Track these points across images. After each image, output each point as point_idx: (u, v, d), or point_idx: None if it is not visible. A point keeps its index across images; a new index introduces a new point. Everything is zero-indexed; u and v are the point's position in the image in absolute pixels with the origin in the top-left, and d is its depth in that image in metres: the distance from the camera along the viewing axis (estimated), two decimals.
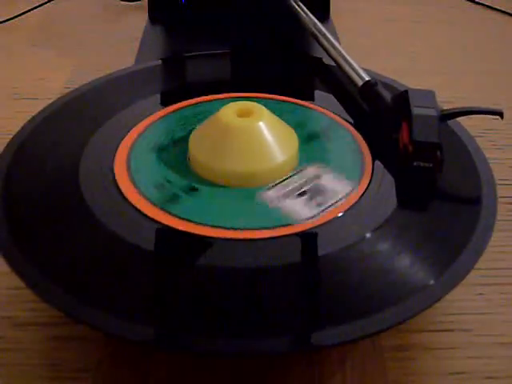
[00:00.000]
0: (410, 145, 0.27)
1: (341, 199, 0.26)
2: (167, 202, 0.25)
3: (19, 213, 0.25)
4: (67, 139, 0.29)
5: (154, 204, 0.25)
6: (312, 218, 0.25)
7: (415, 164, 0.27)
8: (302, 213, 0.25)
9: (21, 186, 0.27)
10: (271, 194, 0.26)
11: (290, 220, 0.25)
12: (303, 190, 0.26)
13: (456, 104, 0.30)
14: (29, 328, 0.24)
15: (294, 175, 0.27)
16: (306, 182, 0.27)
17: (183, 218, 0.25)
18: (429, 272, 0.22)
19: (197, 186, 0.26)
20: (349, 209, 0.25)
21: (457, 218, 0.25)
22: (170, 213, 0.25)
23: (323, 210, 0.25)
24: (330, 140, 0.30)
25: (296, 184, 0.27)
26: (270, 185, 0.26)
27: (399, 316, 0.21)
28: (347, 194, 0.26)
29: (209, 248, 0.23)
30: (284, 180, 0.27)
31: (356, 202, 0.26)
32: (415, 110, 0.28)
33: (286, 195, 0.26)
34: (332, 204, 0.25)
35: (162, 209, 0.25)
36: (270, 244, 0.24)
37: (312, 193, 0.26)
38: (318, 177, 0.27)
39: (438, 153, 0.27)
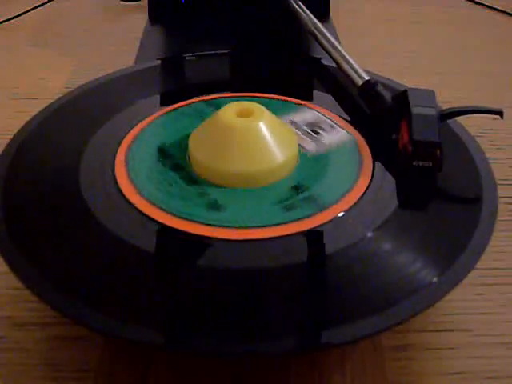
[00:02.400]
0: (410, 144, 0.27)
1: (344, 196, 0.26)
2: (168, 202, 0.25)
3: (19, 213, 0.25)
4: (67, 139, 0.29)
5: (154, 204, 0.25)
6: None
7: (415, 163, 0.27)
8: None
9: (21, 186, 0.27)
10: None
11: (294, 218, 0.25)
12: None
13: (456, 104, 0.30)
14: (29, 328, 0.24)
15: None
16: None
17: (183, 218, 0.25)
18: (429, 272, 0.22)
19: (197, 186, 0.26)
20: (349, 208, 0.25)
21: (457, 218, 0.25)
22: (170, 213, 0.25)
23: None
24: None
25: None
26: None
27: (399, 316, 0.21)
28: (349, 190, 0.26)
29: (208, 248, 0.23)
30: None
31: (356, 202, 0.26)
32: (415, 110, 0.28)
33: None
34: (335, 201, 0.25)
35: (162, 209, 0.25)
36: (271, 244, 0.24)
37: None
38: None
39: (438, 152, 0.27)
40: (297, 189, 0.26)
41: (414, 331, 0.25)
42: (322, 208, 0.25)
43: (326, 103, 0.33)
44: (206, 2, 0.46)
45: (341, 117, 0.31)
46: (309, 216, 0.25)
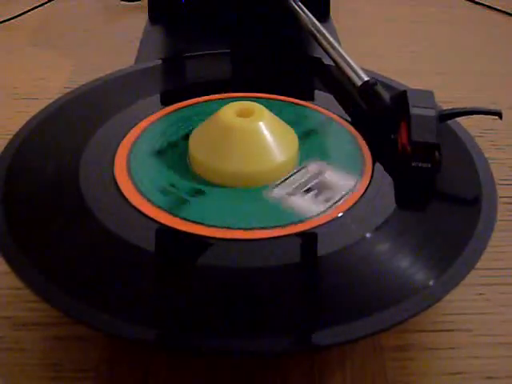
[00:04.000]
0: (409, 145, 0.27)
1: (347, 193, 0.26)
2: (167, 203, 0.25)
3: (19, 213, 0.25)
4: (67, 139, 0.29)
5: (155, 204, 0.25)
6: (323, 212, 0.25)
7: (414, 164, 0.27)
8: (312, 209, 0.25)
9: (21, 186, 0.27)
10: (277, 192, 0.26)
11: (295, 218, 0.24)
12: (309, 186, 0.26)
13: (456, 104, 0.30)
14: (29, 328, 0.24)
15: (295, 173, 0.27)
16: (310, 178, 0.27)
17: (183, 218, 0.25)
18: (429, 272, 0.22)
19: (197, 186, 0.26)
20: (349, 209, 0.25)
21: (457, 218, 0.25)
22: (170, 213, 0.25)
23: (332, 205, 0.25)
24: (329, 140, 0.30)
25: (300, 181, 0.27)
26: (275, 183, 0.26)
27: (399, 316, 0.21)
28: (352, 190, 0.26)
29: (208, 248, 0.23)
30: (287, 179, 0.27)
31: (356, 202, 0.26)
32: (414, 110, 0.28)
33: (293, 193, 0.26)
34: (339, 199, 0.25)
35: (163, 209, 0.25)
36: (271, 244, 0.24)
37: (318, 188, 0.26)
38: (321, 173, 0.27)
39: (437, 153, 0.27)
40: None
41: (414, 331, 0.25)
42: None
43: (326, 103, 0.33)
44: (206, 1, 0.46)
45: (341, 117, 0.31)
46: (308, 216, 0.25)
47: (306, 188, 0.26)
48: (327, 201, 0.25)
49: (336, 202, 0.25)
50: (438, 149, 0.27)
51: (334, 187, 0.26)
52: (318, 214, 0.25)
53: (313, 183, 0.27)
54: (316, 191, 0.26)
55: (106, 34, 0.48)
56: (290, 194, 0.26)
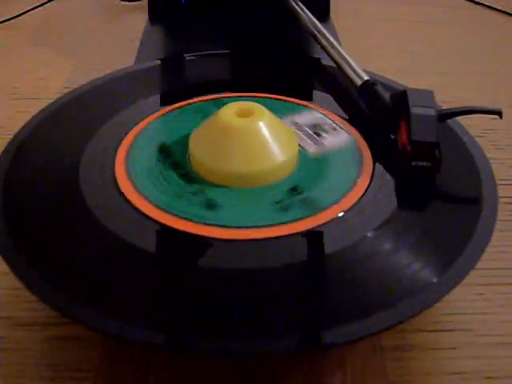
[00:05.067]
0: (409, 144, 0.27)
1: (347, 193, 0.26)
2: (168, 202, 0.25)
3: (19, 213, 0.25)
4: (67, 139, 0.29)
5: (155, 204, 0.25)
6: (323, 212, 0.25)
7: (414, 164, 0.27)
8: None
9: (21, 187, 0.27)
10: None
11: (295, 217, 0.25)
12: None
13: (456, 104, 0.30)
14: (29, 328, 0.24)
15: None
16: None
17: (183, 218, 0.25)
18: (429, 272, 0.22)
19: (197, 186, 0.26)
20: (349, 209, 0.25)
21: (457, 218, 0.25)
22: (170, 213, 0.25)
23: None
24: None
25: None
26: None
27: (399, 316, 0.21)
28: (352, 189, 0.26)
29: (207, 248, 0.23)
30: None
31: (356, 202, 0.26)
32: (413, 110, 0.28)
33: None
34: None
35: (163, 209, 0.25)
36: (271, 244, 0.24)
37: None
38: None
39: (437, 152, 0.27)
40: (296, 190, 0.26)
41: (413, 331, 0.25)
42: (321, 209, 0.25)
43: (326, 103, 0.33)
44: (206, 1, 0.46)
45: (341, 117, 0.31)
46: (309, 216, 0.25)
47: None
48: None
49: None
50: (437, 148, 0.27)
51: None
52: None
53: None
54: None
55: (106, 34, 0.48)
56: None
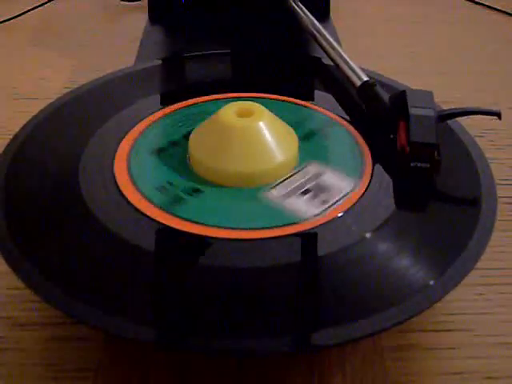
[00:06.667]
0: (408, 145, 0.27)
1: (344, 196, 0.26)
2: (168, 203, 0.25)
3: (19, 213, 0.25)
4: (67, 139, 0.29)
5: (155, 204, 0.25)
6: (318, 215, 0.25)
7: (412, 165, 0.27)
8: (308, 211, 0.25)
9: (21, 186, 0.27)
10: (275, 193, 0.26)
11: (295, 219, 0.25)
12: (306, 188, 0.26)
13: (456, 104, 0.30)
14: (29, 328, 0.24)
15: (295, 174, 0.27)
16: (308, 179, 0.27)
17: (183, 218, 0.25)
18: (429, 272, 0.22)
19: (197, 186, 0.26)
20: (349, 209, 0.25)
21: (457, 218, 0.25)
22: (170, 213, 0.25)
23: (328, 208, 0.25)
24: (329, 140, 0.30)
25: (298, 182, 0.27)
26: (273, 184, 0.26)
27: (399, 316, 0.21)
28: (350, 191, 0.26)
29: (208, 248, 0.23)
30: (286, 179, 0.27)
31: (356, 202, 0.26)
32: (412, 111, 0.28)
33: (290, 194, 0.26)
34: (336, 201, 0.25)
35: (163, 209, 0.25)
36: (271, 244, 0.24)
37: (315, 190, 0.26)
38: (319, 175, 0.27)
39: (436, 153, 0.27)
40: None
41: (413, 331, 0.25)
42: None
43: (326, 103, 0.33)
44: (206, 1, 0.46)
45: (341, 117, 0.31)
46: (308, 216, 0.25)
47: (303, 189, 0.26)
48: (325, 202, 0.25)
49: (334, 203, 0.25)
50: (437, 149, 0.27)
51: (334, 187, 0.26)
52: (317, 215, 0.25)
53: (311, 184, 0.26)
54: (314, 193, 0.26)
55: (106, 34, 0.48)
56: (288, 195, 0.26)
